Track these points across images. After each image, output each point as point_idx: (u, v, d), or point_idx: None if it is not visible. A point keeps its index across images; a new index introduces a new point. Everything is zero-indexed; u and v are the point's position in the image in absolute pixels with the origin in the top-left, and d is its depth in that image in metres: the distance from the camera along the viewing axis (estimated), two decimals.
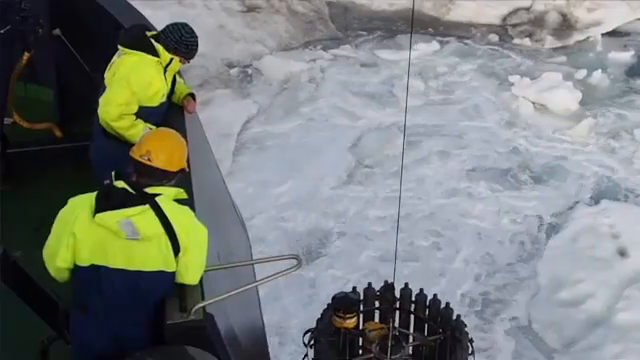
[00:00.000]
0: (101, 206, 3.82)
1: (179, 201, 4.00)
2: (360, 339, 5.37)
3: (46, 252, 3.98)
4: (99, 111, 5.25)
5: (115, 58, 5.34)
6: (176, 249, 3.88)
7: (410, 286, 5.53)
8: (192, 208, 4.14)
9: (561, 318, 8.91)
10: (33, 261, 4.14)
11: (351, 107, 13.13)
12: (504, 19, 16.33)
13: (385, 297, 5.47)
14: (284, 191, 10.88)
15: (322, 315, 5.40)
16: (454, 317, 5.40)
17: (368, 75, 14.18)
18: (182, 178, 4.21)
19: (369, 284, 5.60)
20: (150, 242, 3.84)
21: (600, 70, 14.29)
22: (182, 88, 5.67)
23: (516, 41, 15.59)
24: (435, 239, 10.16)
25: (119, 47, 5.29)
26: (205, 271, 4.05)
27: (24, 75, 6.90)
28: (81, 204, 3.89)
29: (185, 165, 4.10)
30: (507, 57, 15.15)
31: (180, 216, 3.91)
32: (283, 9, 16.14)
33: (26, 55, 6.61)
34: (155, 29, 5.60)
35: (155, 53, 5.27)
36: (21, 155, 6.59)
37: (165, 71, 5.33)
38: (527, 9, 16.41)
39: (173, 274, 3.93)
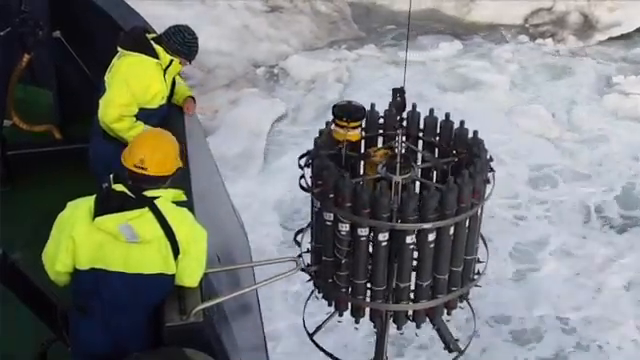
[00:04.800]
0: (100, 210, 3.94)
1: (178, 203, 4.10)
2: (363, 165, 5.07)
3: (45, 257, 4.11)
4: (99, 113, 5.39)
5: (115, 60, 5.49)
6: (175, 251, 4.00)
7: None
8: (191, 210, 4.25)
9: None
10: (32, 263, 4.25)
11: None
12: (526, 19, 16.52)
13: (394, 104, 5.03)
14: None
15: (320, 132, 5.10)
16: (470, 135, 5.06)
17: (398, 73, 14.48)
18: (181, 180, 4.33)
19: (372, 105, 5.24)
20: (149, 245, 3.97)
21: None
22: (183, 90, 5.83)
23: (539, 41, 15.82)
24: None
25: (119, 49, 5.46)
26: (204, 273, 4.15)
27: (24, 77, 7.03)
28: (80, 208, 4.01)
29: (180, 163, 4.18)
30: (573, 57, 15.44)
31: (179, 218, 4.03)
32: (306, 9, 16.41)
33: (26, 57, 6.76)
34: (155, 31, 5.78)
35: (155, 55, 5.43)
36: (20, 157, 6.70)
37: (165, 73, 5.49)
38: (549, 9, 16.60)
39: (173, 277, 4.05)
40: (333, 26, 16.24)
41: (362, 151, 5.16)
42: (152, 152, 4.03)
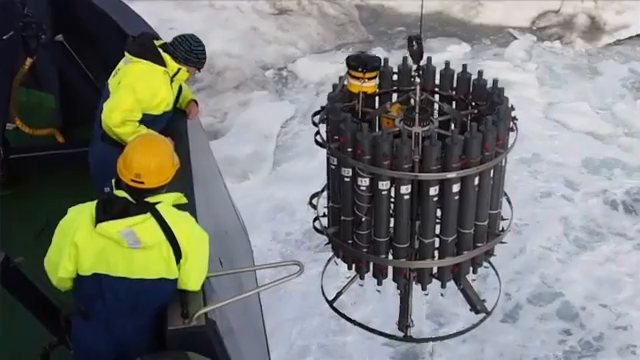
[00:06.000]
0: (102, 216, 3.97)
1: (179, 206, 4.14)
2: (378, 120, 4.94)
3: (48, 263, 4.15)
4: (103, 116, 5.44)
5: (121, 65, 5.54)
6: (178, 256, 4.03)
7: None
8: (194, 214, 4.29)
9: None
10: (35, 267, 4.29)
11: None
12: (533, 22, 16.57)
13: (411, 53, 4.87)
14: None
15: (334, 86, 4.99)
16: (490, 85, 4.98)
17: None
18: (184, 184, 4.37)
19: (386, 60, 5.13)
20: (152, 250, 4.00)
21: None
22: (186, 93, 5.87)
23: (547, 43, 15.87)
24: None
25: (126, 54, 5.50)
26: (207, 277, 4.18)
27: (27, 81, 7.06)
28: (82, 213, 4.03)
29: (177, 165, 4.18)
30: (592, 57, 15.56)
31: (181, 223, 4.06)
32: (314, 12, 16.50)
33: (29, 61, 6.78)
34: (160, 37, 5.82)
35: (163, 62, 5.49)
36: (23, 160, 6.77)
37: (172, 81, 5.55)
38: (556, 12, 16.65)
39: (175, 281, 4.09)
40: (341, 29, 16.32)
41: (377, 107, 5.09)
42: (147, 166, 4.03)
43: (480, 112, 4.93)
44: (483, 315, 5.17)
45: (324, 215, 5.13)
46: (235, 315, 4.79)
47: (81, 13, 7.21)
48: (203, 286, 4.18)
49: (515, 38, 16.18)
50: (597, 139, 12.97)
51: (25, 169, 6.77)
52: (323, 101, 5.24)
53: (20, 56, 6.79)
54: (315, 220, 5.12)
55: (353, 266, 5.12)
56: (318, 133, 4.93)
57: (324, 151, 5.06)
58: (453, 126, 5.00)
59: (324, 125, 5.04)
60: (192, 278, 4.14)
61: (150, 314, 4.13)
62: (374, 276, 5.03)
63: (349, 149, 4.63)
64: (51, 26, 7.00)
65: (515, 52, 15.40)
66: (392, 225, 4.81)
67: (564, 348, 9.10)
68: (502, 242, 5.10)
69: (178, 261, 4.06)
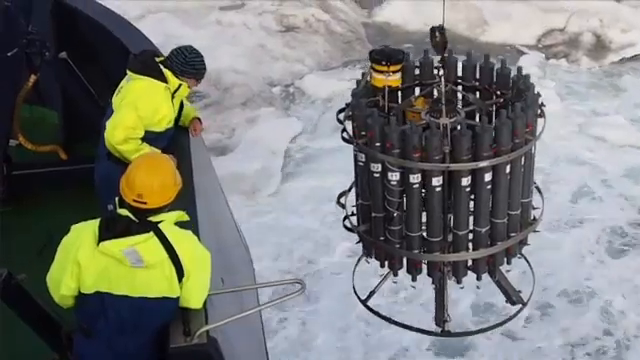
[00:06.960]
0: (105, 234, 3.99)
1: (181, 223, 4.15)
2: (403, 114, 4.92)
3: (50, 280, 4.16)
4: (106, 134, 5.47)
5: (124, 83, 5.57)
6: (180, 274, 4.05)
7: None
8: (196, 231, 4.31)
9: None
10: (37, 283, 4.29)
11: None
12: (539, 40, 16.66)
13: (434, 44, 4.85)
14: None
15: (358, 82, 4.99)
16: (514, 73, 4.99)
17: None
18: (186, 202, 4.37)
19: (408, 54, 5.13)
20: (154, 269, 4.01)
21: None
22: (189, 111, 5.91)
23: (552, 62, 15.93)
24: None
25: (128, 72, 5.54)
26: (209, 295, 4.18)
27: (30, 97, 7.11)
28: (84, 232, 4.05)
29: (180, 185, 4.18)
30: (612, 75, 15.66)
31: (183, 241, 4.08)
32: (321, 29, 16.63)
33: (32, 78, 6.84)
34: (162, 54, 5.85)
35: (164, 79, 5.51)
36: (26, 177, 6.78)
37: (173, 97, 5.57)
38: (561, 30, 16.75)
39: (177, 299, 4.09)
40: (348, 46, 16.44)
41: (400, 102, 5.11)
42: (150, 186, 4.04)
43: (505, 101, 4.96)
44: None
45: (353, 214, 5.15)
46: (236, 331, 4.79)
47: (84, 30, 7.28)
48: (205, 304, 4.18)
49: (524, 53, 16.24)
50: (637, 149, 13.15)
51: (28, 185, 6.79)
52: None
53: (24, 73, 6.84)
54: (345, 219, 5.14)
55: (386, 263, 5.13)
56: (345, 130, 4.95)
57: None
58: (479, 116, 5.02)
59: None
60: (194, 296, 4.14)
61: (152, 332, 4.13)
62: (408, 272, 5.05)
63: (377, 144, 4.66)
64: (55, 43, 7.07)
65: (527, 69, 15.46)
66: (424, 219, 4.85)
67: (593, 348, 9.31)
68: (535, 231, 5.13)
69: (180, 279, 4.07)
